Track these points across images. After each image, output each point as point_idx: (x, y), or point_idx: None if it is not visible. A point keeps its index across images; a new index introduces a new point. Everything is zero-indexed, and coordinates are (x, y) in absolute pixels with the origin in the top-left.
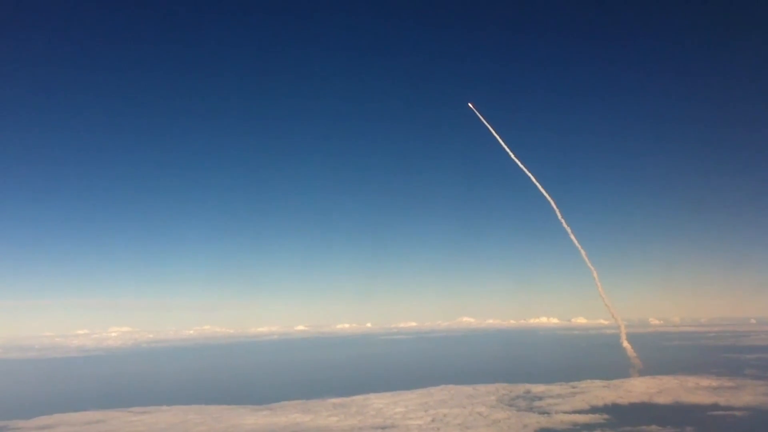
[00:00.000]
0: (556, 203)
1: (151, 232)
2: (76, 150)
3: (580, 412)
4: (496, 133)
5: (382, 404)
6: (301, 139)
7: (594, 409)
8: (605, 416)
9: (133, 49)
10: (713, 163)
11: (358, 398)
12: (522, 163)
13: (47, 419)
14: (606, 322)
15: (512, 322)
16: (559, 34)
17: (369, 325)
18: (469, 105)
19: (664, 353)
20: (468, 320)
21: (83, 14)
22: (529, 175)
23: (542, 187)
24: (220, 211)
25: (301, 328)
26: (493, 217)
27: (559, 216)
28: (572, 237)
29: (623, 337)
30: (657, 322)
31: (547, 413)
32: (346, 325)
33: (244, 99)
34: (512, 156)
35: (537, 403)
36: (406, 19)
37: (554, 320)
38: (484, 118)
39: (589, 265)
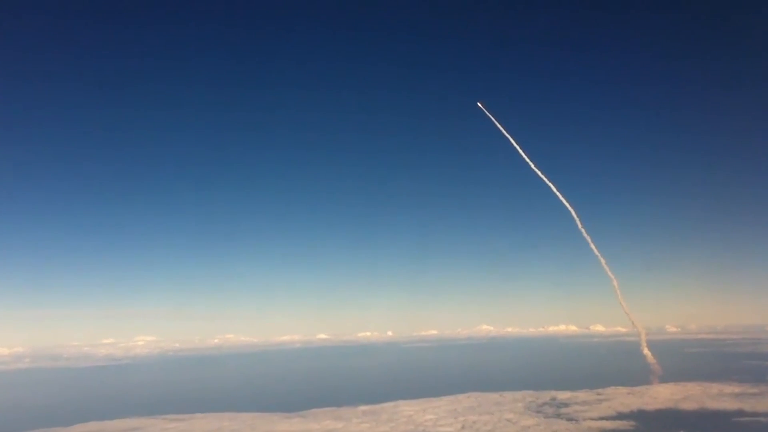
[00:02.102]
0: (574, 209)
1: (175, 243)
2: (103, 163)
3: (607, 418)
4: (508, 134)
5: (412, 411)
6: (318, 148)
7: (621, 416)
8: (632, 423)
9: (128, 60)
10: (731, 172)
11: (388, 405)
12: (538, 168)
13: (85, 426)
14: (624, 330)
15: (531, 329)
16: (572, 33)
17: (390, 333)
18: (479, 104)
19: (685, 360)
20: (487, 328)
21: (81, 15)
22: (549, 183)
23: (559, 192)
24: (243, 222)
25: (322, 336)
26: (510, 224)
27: (579, 224)
28: (592, 246)
29: (644, 344)
30: (674, 329)
31: (575, 420)
32: (368, 334)
33: (256, 107)
34: (530, 164)
35: (564, 410)
36: (414, 17)
37: (573, 328)
38: (495, 118)
39: (609, 273)
